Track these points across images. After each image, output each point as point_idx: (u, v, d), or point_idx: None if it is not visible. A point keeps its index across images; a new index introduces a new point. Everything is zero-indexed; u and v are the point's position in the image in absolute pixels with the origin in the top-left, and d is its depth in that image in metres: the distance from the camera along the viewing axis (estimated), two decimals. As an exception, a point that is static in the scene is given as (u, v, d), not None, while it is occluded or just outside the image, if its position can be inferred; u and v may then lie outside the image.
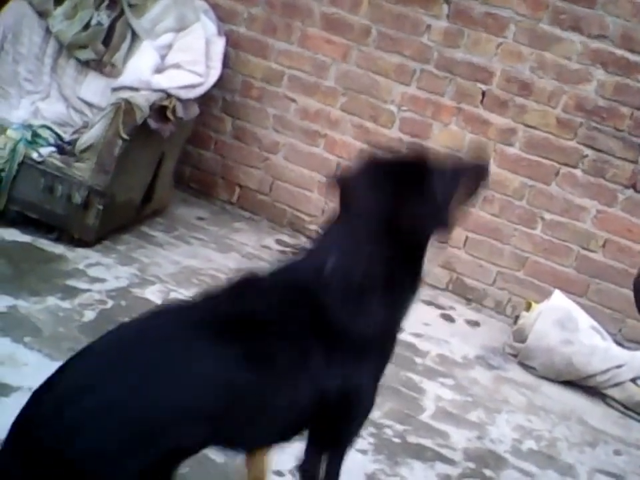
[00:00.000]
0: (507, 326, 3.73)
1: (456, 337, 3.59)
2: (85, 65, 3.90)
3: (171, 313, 1.78)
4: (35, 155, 3.39)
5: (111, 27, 3.85)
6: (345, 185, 1.89)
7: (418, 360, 3.29)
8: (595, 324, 3.49)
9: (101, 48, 3.85)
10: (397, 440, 2.73)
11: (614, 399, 3.30)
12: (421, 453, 2.71)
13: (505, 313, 3.88)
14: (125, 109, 3.34)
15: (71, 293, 3.07)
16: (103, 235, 3.50)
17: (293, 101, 4.10)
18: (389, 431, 2.76)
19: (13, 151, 3.38)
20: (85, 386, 1.53)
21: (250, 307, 1.75)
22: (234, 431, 1.72)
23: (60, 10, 3.89)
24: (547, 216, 3.79)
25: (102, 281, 3.23)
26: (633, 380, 3.28)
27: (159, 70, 3.70)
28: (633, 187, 3.66)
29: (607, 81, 3.62)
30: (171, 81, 3.61)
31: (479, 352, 3.51)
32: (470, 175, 1.92)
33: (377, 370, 1.88)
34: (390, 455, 2.64)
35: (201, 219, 4.10)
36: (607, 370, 3.30)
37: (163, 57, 3.76)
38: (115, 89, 3.53)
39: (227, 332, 1.66)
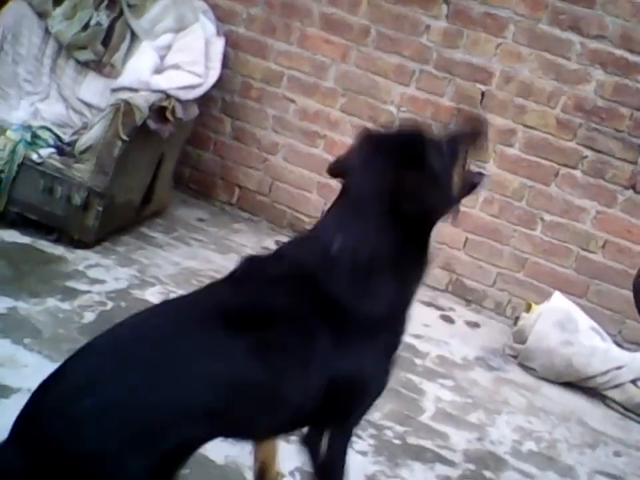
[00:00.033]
0: (507, 327, 3.73)
1: (456, 338, 3.59)
2: (84, 65, 3.90)
3: (173, 308, 1.76)
4: (34, 156, 3.39)
5: (110, 28, 3.85)
6: (344, 165, 1.88)
7: (418, 361, 3.29)
8: (595, 325, 3.49)
9: (100, 48, 3.85)
10: (397, 441, 2.73)
11: (614, 401, 3.31)
12: (421, 455, 2.70)
13: (505, 314, 3.88)
14: (124, 109, 3.34)
15: (71, 294, 3.07)
16: (103, 236, 3.50)
17: (292, 101, 4.10)
18: (389, 433, 2.76)
19: (13, 152, 3.37)
20: (88, 384, 1.52)
21: (253, 295, 1.73)
22: (243, 422, 1.70)
23: (59, 10, 3.89)
24: (547, 217, 3.79)
25: (102, 282, 3.22)
26: (633, 381, 3.28)
27: (158, 70, 3.69)
28: (633, 187, 3.66)
29: (606, 81, 3.62)
30: (170, 81, 3.61)
31: (478, 353, 3.51)
32: (468, 140, 1.90)
33: (387, 351, 1.85)
34: (390, 456, 2.64)
35: (200, 220, 4.10)
36: (607, 371, 3.30)
37: (162, 58, 3.76)
38: (114, 90, 3.53)
39: (231, 324, 1.65)
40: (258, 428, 1.78)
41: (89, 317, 2.96)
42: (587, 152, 3.69)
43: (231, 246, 3.86)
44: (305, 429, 1.85)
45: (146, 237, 3.73)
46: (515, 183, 3.80)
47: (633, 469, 2.96)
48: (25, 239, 3.38)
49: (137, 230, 3.73)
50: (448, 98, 3.84)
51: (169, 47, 3.78)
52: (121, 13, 3.86)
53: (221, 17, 4.03)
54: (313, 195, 4.11)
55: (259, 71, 4.12)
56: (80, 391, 1.51)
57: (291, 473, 2.40)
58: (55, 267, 3.25)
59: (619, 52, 3.59)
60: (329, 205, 1.89)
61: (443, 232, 3.64)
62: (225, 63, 3.97)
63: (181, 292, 3.25)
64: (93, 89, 3.86)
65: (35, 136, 3.49)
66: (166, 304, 1.89)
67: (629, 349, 3.54)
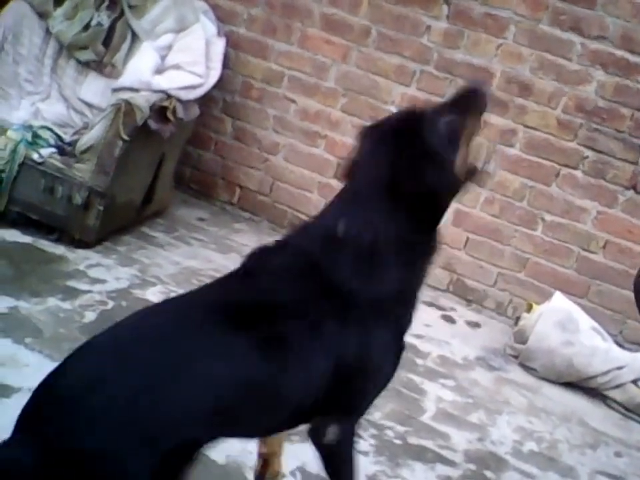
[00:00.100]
0: (508, 327, 3.73)
1: (457, 338, 3.59)
2: (85, 65, 3.90)
3: (175, 306, 1.76)
4: (35, 156, 3.39)
5: (111, 28, 3.85)
6: (349, 162, 1.89)
7: (419, 361, 3.29)
8: (596, 325, 3.49)
9: (101, 49, 3.85)
10: (397, 441, 2.73)
11: (615, 401, 3.30)
12: (421, 455, 2.70)
13: (506, 314, 3.88)
14: (125, 109, 3.34)
15: (72, 293, 3.07)
16: (104, 235, 3.50)
17: (293, 101, 4.10)
18: (389, 433, 2.76)
19: (14, 151, 3.38)
20: (89, 383, 1.51)
21: (255, 288, 1.73)
22: (247, 420, 1.69)
23: (60, 11, 3.89)
24: (548, 217, 3.79)
25: (102, 281, 3.22)
26: (634, 381, 3.28)
27: (159, 71, 3.70)
28: (634, 188, 3.66)
29: (607, 82, 3.62)
30: (171, 81, 3.61)
31: (479, 353, 3.51)
32: (467, 114, 1.88)
33: (395, 335, 1.83)
34: (391, 456, 2.64)
35: (201, 219, 4.10)
36: (608, 371, 3.30)
37: (163, 58, 3.76)
38: (115, 90, 3.53)
39: (232, 319, 1.64)
40: (262, 425, 1.77)
41: (90, 316, 2.96)
42: (588, 152, 3.69)
43: (232, 246, 3.86)
44: (312, 423, 1.84)
45: (147, 236, 3.73)
46: (516, 183, 3.80)
47: (634, 469, 2.96)
48: (26, 239, 3.38)
49: (137, 230, 3.73)
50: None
51: (169, 47, 3.79)
52: (122, 13, 3.86)
53: (222, 17, 4.03)
54: (314, 195, 4.11)
55: (259, 71, 4.13)
56: (81, 390, 1.50)
57: (292, 473, 2.40)
58: (55, 266, 3.25)
59: (619, 52, 3.59)
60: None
61: (443, 232, 3.63)
62: (226, 63, 3.98)
63: (181, 291, 3.24)
64: (94, 89, 3.86)
65: (35, 136, 3.49)
66: (167, 302, 1.88)
67: (629, 349, 3.54)
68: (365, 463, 2.54)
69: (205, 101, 3.90)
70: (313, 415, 1.82)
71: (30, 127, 3.53)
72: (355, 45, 3.95)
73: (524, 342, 3.45)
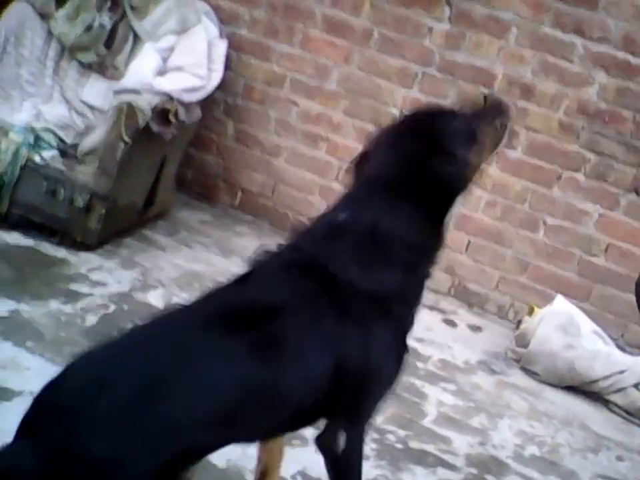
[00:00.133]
0: (509, 331, 3.72)
1: (458, 342, 3.58)
2: (87, 67, 3.89)
3: (179, 314, 1.75)
4: (37, 159, 3.40)
5: (113, 30, 3.85)
6: (360, 154, 1.90)
7: (420, 365, 3.29)
8: (598, 329, 3.49)
9: (103, 50, 3.85)
10: (399, 445, 2.73)
11: (616, 405, 3.30)
12: (423, 459, 2.70)
13: (507, 317, 3.87)
14: (127, 112, 3.34)
15: (73, 297, 3.07)
16: (105, 238, 3.50)
17: (295, 104, 4.09)
18: (391, 437, 2.76)
19: (16, 154, 3.38)
20: (94, 387, 1.51)
21: (255, 288, 1.73)
22: (248, 425, 1.69)
23: (62, 12, 3.89)
24: (549, 220, 3.78)
25: (104, 285, 3.23)
26: (636, 385, 3.27)
27: (161, 72, 3.70)
28: (636, 191, 3.65)
29: (609, 84, 3.62)
30: (173, 83, 3.61)
31: (481, 357, 3.50)
32: (489, 118, 1.89)
33: (396, 336, 1.81)
34: (392, 460, 2.64)
35: (203, 222, 4.09)
36: (610, 375, 3.29)
37: (164, 60, 3.76)
38: (117, 92, 3.53)
39: (231, 324, 1.64)
40: (262, 426, 1.76)
41: (92, 319, 2.96)
42: (590, 155, 3.68)
43: (234, 248, 3.86)
44: (319, 429, 1.83)
45: (148, 239, 3.73)
46: (518, 186, 3.80)
47: (635, 473, 2.96)
48: (28, 242, 3.38)
49: (139, 232, 3.72)
50: (451, 100, 3.83)
51: (171, 49, 3.79)
52: (124, 14, 3.85)
53: (224, 19, 4.03)
54: (316, 198, 4.10)
55: (261, 73, 4.12)
56: (82, 395, 1.51)
57: (293, 477, 2.40)
58: (57, 269, 3.25)
59: (621, 55, 3.58)
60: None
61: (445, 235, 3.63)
62: (228, 65, 3.98)
63: (183, 295, 3.26)
64: (96, 91, 3.86)
65: (37, 138, 3.49)
66: (172, 311, 1.88)
67: (631, 353, 3.53)
68: (366, 467, 2.51)
69: (207, 103, 3.90)
70: (315, 417, 1.82)
71: (32, 129, 3.53)
72: (356, 47, 3.94)
73: (525, 345, 3.45)
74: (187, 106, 3.65)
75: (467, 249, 3.91)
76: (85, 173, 3.37)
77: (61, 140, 3.61)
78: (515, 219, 3.82)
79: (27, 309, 2.90)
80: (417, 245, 1.80)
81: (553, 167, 3.74)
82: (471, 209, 3.80)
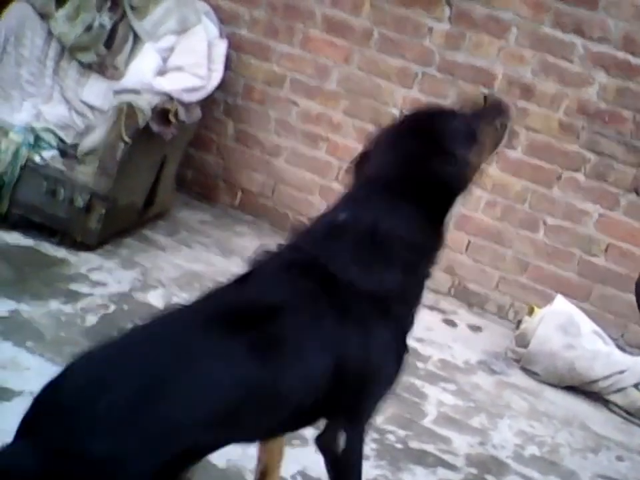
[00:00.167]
0: (509, 331, 3.71)
1: (458, 342, 3.58)
2: (87, 67, 3.89)
3: (179, 315, 1.75)
4: (37, 159, 3.40)
5: (113, 29, 3.85)
6: (361, 153, 1.90)
7: (420, 365, 3.29)
8: (597, 329, 3.49)
9: (103, 50, 3.85)
10: (399, 445, 2.73)
11: (616, 405, 3.30)
12: (423, 459, 2.70)
13: (508, 317, 3.87)
14: (127, 112, 3.34)
15: (73, 297, 3.07)
16: (105, 238, 3.50)
17: (295, 104, 4.09)
18: (390, 437, 2.76)
19: (16, 154, 3.38)
20: (94, 387, 1.51)
21: (255, 288, 1.73)
22: (249, 424, 1.69)
23: (62, 12, 3.89)
24: (549, 220, 3.78)
25: (104, 285, 3.23)
26: (636, 385, 3.27)
27: (161, 72, 3.70)
28: (636, 191, 3.65)
29: (609, 84, 3.62)
30: (173, 83, 3.61)
31: (481, 357, 3.50)
32: (489, 118, 1.89)
33: (396, 335, 1.81)
34: (392, 460, 2.64)
35: (203, 222, 4.09)
36: (610, 375, 3.29)
37: (164, 60, 3.76)
38: (117, 92, 3.53)
39: (231, 325, 1.63)
40: (262, 426, 1.76)
41: (92, 319, 2.96)
42: (590, 155, 3.68)
43: (234, 249, 3.86)
44: (319, 429, 1.83)
45: (148, 239, 3.73)
46: (518, 186, 3.80)
47: (635, 473, 2.96)
48: (28, 242, 3.38)
49: (139, 232, 3.72)
50: (451, 100, 3.83)
51: (171, 49, 3.79)
52: (124, 14, 3.86)
53: (224, 19, 4.03)
54: (316, 198, 4.10)
55: (261, 73, 4.12)
56: (82, 395, 1.51)
57: (293, 477, 2.40)
58: (57, 269, 3.25)
59: (621, 55, 3.58)
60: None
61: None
62: (228, 65, 3.97)
63: (183, 295, 3.26)
64: (96, 91, 3.86)
65: (37, 138, 3.49)
66: (172, 312, 1.88)
67: (631, 353, 3.53)
68: (366, 467, 2.51)
69: (207, 103, 3.90)
70: (315, 417, 1.82)
71: (32, 129, 3.53)
72: (356, 47, 3.94)
73: (525, 345, 3.45)
74: (187, 106, 3.65)
75: (466, 249, 3.91)
76: (85, 173, 3.37)
77: (61, 140, 3.61)
78: (515, 218, 3.83)
79: (27, 308, 2.90)
80: (417, 245, 1.80)
81: (553, 167, 3.74)
82: (471, 209, 3.80)
